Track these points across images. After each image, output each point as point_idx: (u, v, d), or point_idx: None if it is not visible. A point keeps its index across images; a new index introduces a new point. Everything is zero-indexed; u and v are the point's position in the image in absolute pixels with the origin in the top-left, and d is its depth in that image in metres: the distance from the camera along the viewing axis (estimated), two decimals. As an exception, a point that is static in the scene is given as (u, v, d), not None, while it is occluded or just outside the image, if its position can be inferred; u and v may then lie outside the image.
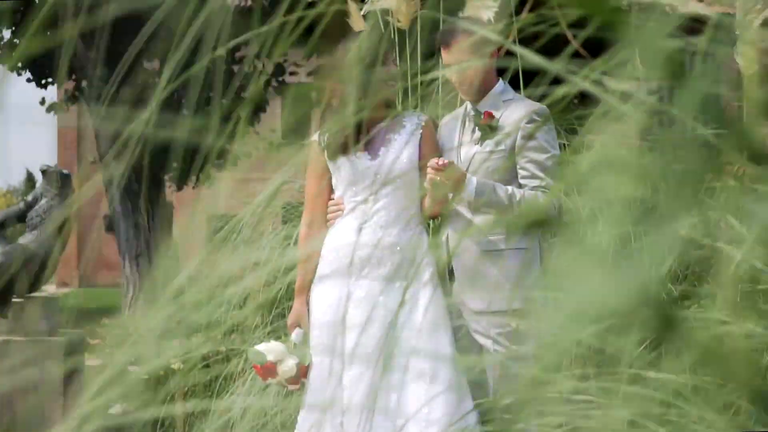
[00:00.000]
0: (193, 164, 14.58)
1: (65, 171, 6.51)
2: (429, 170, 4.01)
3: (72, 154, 33.69)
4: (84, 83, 14.03)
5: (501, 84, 4.31)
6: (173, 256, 13.72)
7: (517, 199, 4.07)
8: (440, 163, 4.00)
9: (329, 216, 4.37)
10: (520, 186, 4.15)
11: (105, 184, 14.65)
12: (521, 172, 4.15)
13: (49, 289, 30.76)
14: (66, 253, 31.67)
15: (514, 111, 4.20)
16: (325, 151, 4.32)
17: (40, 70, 15.04)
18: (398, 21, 5.99)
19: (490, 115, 4.20)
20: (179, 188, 15.23)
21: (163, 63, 13.70)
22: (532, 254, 4.20)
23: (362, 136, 4.24)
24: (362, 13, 6.04)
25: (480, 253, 4.17)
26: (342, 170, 4.29)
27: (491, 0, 5.76)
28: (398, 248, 4.22)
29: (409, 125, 4.37)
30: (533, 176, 4.13)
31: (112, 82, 13.74)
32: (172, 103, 13.41)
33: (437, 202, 4.23)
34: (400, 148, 4.28)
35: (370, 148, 4.29)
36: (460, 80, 4.28)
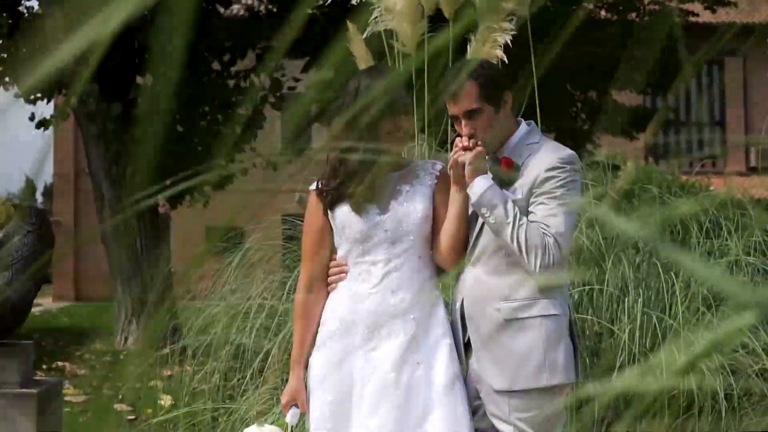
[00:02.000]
0: (187, 182, 14.15)
1: (40, 206, 5.93)
2: (456, 145, 3.62)
3: (69, 165, 33.41)
4: (74, 99, 13.57)
5: (525, 126, 3.82)
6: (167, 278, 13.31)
7: (520, 222, 3.57)
8: (469, 143, 3.60)
9: (330, 279, 3.82)
10: None
11: (96, 203, 14.24)
12: (530, 217, 3.64)
13: (45, 302, 30.57)
14: (63, 266, 31.55)
15: (539, 157, 3.69)
16: (326, 203, 3.79)
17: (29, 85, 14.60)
18: (403, 45, 5.56)
19: (509, 163, 3.70)
20: (173, 207, 14.77)
21: (156, 78, 13.30)
22: (564, 321, 3.68)
23: (370, 185, 3.72)
24: (364, 36, 5.62)
25: (501, 322, 3.66)
26: (346, 226, 3.74)
27: (506, 25, 5.38)
28: (412, 317, 3.69)
29: (422, 174, 3.84)
30: (541, 222, 3.61)
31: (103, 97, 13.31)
32: (167, 119, 12.99)
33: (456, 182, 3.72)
34: (412, 201, 3.76)
35: (379, 200, 3.75)
36: (472, 134, 3.74)
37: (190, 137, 13.77)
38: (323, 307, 3.79)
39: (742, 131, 33.87)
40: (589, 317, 5.10)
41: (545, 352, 3.59)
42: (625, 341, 4.96)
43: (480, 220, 3.68)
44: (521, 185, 3.65)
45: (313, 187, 3.84)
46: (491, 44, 5.40)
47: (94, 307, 26.41)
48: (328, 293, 3.81)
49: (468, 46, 5.44)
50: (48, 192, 59.48)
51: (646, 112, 18.59)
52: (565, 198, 3.59)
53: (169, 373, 8.34)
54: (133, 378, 10.68)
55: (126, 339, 14.05)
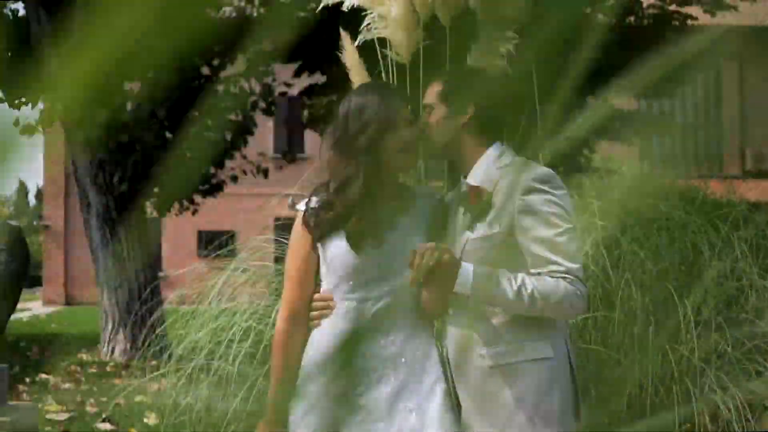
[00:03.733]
0: (176, 190, 13.88)
1: (14, 223, 5.57)
2: (410, 254, 3.11)
3: (59, 169, 33.21)
4: (59, 105, 13.26)
5: (497, 147, 3.42)
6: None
7: (529, 290, 3.14)
8: (417, 261, 3.08)
9: (314, 315, 3.45)
10: (531, 275, 3.22)
11: (83, 210, 13.94)
12: (529, 258, 3.22)
13: (35, 307, 30.42)
14: (53, 269, 31.45)
15: (512, 182, 3.29)
16: (314, 231, 3.42)
17: (14, 90, 14.31)
18: (397, 54, 5.25)
19: (477, 191, 3.32)
20: (162, 215, 14.46)
21: (144, 83, 13.01)
22: (559, 364, 3.28)
23: (364, 214, 3.35)
24: (357, 44, 5.31)
25: (487, 369, 3.27)
26: (335, 258, 3.37)
27: (509, 34, 5.08)
28: (403, 360, 3.33)
29: (420, 204, 3.48)
30: (545, 261, 3.19)
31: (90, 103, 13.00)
32: (153, 126, 12.71)
33: (432, 300, 3.33)
34: (409, 234, 3.38)
35: (374, 231, 3.36)
36: (429, 135, 3.45)
37: (179, 143, 13.47)
38: (304, 343, 3.45)
39: (738, 134, 33.71)
40: (594, 346, 4.79)
41: (537, 401, 3.20)
42: (635, 374, 4.68)
43: (456, 255, 3.26)
44: (497, 218, 3.27)
45: (301, 207, 3.48)
46: (493, 54, 5.10)
47: (84, 311, 26.22)
48: (309, 327, 3.47)
49: (468, 56, 5.14)
50: (40, 194, 59.29)
51: (644, 118, 18.35)
52: (555, 221, 3.19)
53: (156, 387, 8.05)
54: (118, 393, 10.39)
55: (113, 350, 13.74)
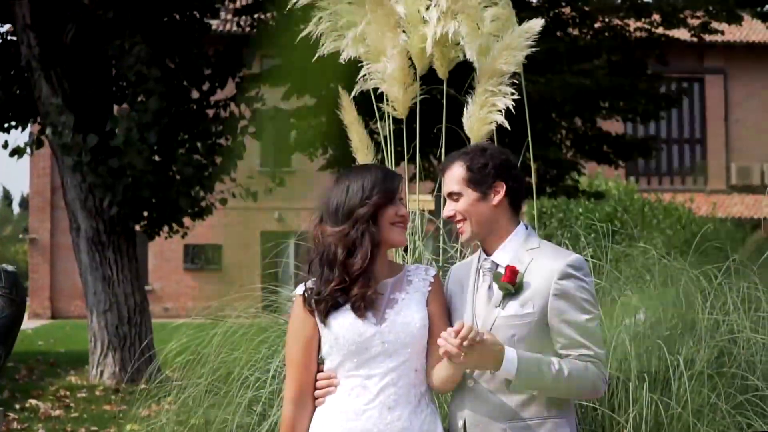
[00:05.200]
0: (165, 213, 13.88)
1: (10, 268, 5.55)
2: (442, 341, 3.21)
3: (45, 182, 33.10)
4: (49, 129, 13.28)
5: (523, 229, 3.60)
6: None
7: (565, 374, 3.33)
8: (465, 333, 3.18)
9: (318, 393, 3.52)
10: (559, 356, 3.41)
11: (72, 234, 13.93)
12: (559, 340, 3.41)
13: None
14: (39, 283, 31.26)
15: (543, 264, 3.46)
16: (319, 311, 3.48)
17: (3, 113, 14.30)
18: (393, 109, 5.31)
19: (514, 271, 3.45)
20: (151, 238, 14.46)
21: (133, 107, 13.02)
22: (569, 420, 3.50)
23: (370, 293, 3.43)
24: (352, 96, 5.37)
25: (509, 427, 3.42)
26: (340, 336, 3.44)
27: (505, 88, 5.13)
28: None
29: (416, 281, 3.56)
30: (576, 344, 3.40)
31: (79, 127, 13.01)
32: (144, 150, 12.72)
33: (453, 377, 3.45)
34: (410, 310, 3.47)
35: (374, 309, 3.44)
36: (451, 216, 3.58)
37: (169, 166, 13.48)
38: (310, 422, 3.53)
39: (723, 149, 33.86)
40: (588, 403, 4.84)
41: None
42: (629, 430, 4.72)
43: (485, 330, 3.40)
44: (531, 298, 3.43)
45: (300, 291, 3.55)
46: (489, 108, 5.16)
47: (71, 326, 26.11)
48: (315, 407, 3.54)
49: (465, 110, 5.20)
50: (25, 203, 59.02)
51: (631, 140, 18.44)
52: (587, 307, 3.40)
53: (146, 413, 8.04)
54: (109, 420, 10.40)
55: (102, 373, 13.72)
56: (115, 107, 14.31)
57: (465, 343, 3.19)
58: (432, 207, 6.81)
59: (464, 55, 5.32)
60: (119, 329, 13.72)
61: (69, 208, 13.92)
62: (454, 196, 3.56)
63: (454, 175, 3.55)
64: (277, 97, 15.83)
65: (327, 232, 3.49)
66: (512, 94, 5.15)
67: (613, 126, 18.45)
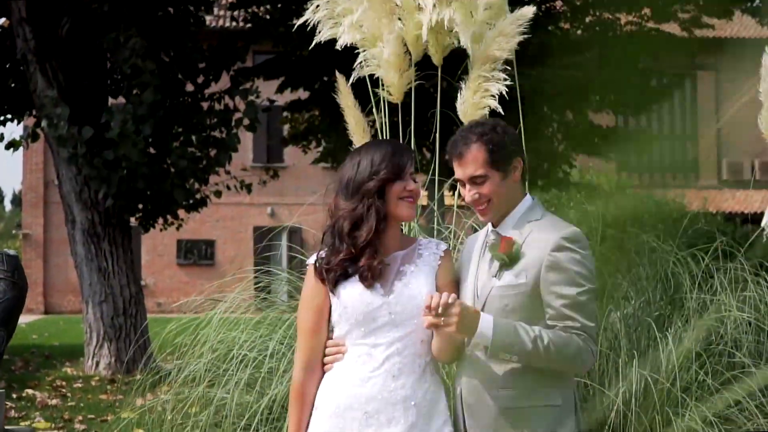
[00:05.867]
0: (160, 205, 13.97)
1: (11, 252, 5.62)
2: (424, 311, 3.34)
3: (38, 177, 33.12)
4: (44, 122, 13.35)
5: (528, 201, 3.64)
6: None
7: (545, 343, 3.36)
8: (434, 303, 3.30)
9: (327, 359, 3.65)
10: (548, 327, 3.44)
11: (67, 226, 14.01)
12: (548, 311, 3.45)
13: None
14: (32, 278, 31.22)
15: (539, 236, 3.50)
16: (329, 280, 3.60)
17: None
18: (389, 94, 5.43)
19: (510, 242, 3.51)
20: (146, 230, 14.55)
21: (128, 99, 13.11)
22: (565, 411, 3.49)
23: (377, 264, 3.54)
24: (350, 82, 5.48)
25: (500, 411, 3.48)
26: (349, 306, 3.56)
27: (498, 74, 5.24)
28: (413, 403, 3.51)
29: (426, 254, 3.67)
30: (562, 316, 3.42)
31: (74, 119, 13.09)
32: (138, 143, 12.80)
33: (446, 347, 3.56)
34: (418, 283, 3.57)
35: (383, 280, 3.56)
36: (477, 200, 3.59)
37: (163, 159, 13.57)
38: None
39: (715, 144, 33.99)
40: (579, 378, 4.96)
41: None
42: (618, 404, 4.84)
43: (482, 301, 3.53)
44: (525, 268, 3.48)
45: (312, 260, 3.68)
46: (482, 93, 5.28)
47: (65, 321, 26.16)
48: (324, 373, 3.65)
49: (458, 95, 5.31)
50: (17, 200, 59.02)
51: (622, 133, 18.55)
52: (579, 280, 3.41)
53: (141, 401, 8.15)
54: (105, 409, 10.50)
55: (97, 364, 13.81)
56: (111, 100, 14.39)
57: (439, 310, 3.30)
58: (425, 202, 6.87)
59: (458, 42, 5.44)
60: (115, 320, 13.80)
61: (64, 201, 14.00)
62: (478, 179, 3.55)
63: (477, 159, 3.54)
64: (270, 90, 15.92)
65: (338, 205, 3.62)
66: (505, 80, 5.28)
67: (605, 120, 18.53)
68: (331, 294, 3.61)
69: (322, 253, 3.64)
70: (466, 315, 3.34)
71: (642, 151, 20.92)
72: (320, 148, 17.46)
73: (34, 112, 14.23)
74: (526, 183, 3.71)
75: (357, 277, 3.56)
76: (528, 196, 3.64)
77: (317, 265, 3.64)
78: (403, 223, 3.76)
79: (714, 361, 5.19)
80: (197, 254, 33.31)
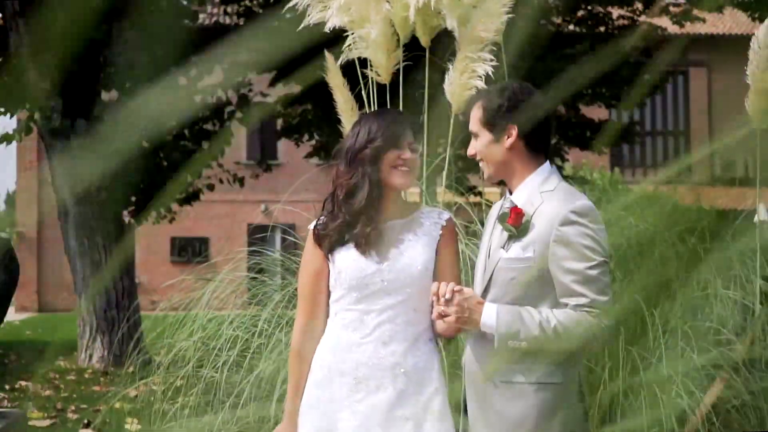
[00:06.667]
0: (153, 198, 14.00)
1: (3, 235, 5.65)
2: (433, 298, 3.37)
3: (32, 176, 33.13)
4: (37, 114, 13.37)
5: (544, 169, 3.53)
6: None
7: (552, 326, 3.27)
8: (442, 291, 3.33)
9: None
10: (557, 303, 3.34)
11: (60, 219, 14.03)
12: (558, 288, 3.34)
13: (8, 314, 30.26)
14: (26, 276, 31.16)
15: (549, 208, 3.40)
16: (325, 245, 3.65)
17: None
18: (377, 75, 5.46)
19: (519, 214, 3.43)
20: (139, 223, 14.58)
21: (122, 93, 13.14)
22: (567, 390, 3.40)
23: (371, 231, 3.58)
24: (339, 63, 5.52)
25: (498, 383, 3.42)
26: (343, 271, 3.60)
27: (485, 54, 5.29)
28: (402, 371, 3.54)
29: (427, 224, 3.68)
30: (574, 293, 3.30)
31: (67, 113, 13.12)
32: (131, 135, 12.83)
33: (451, 329, 3.55)
34: (414, 252, 3.60)
35: (379, 247, 3.58)
36: (472, 155, 3.60)
37: (156, 152, 13.61)
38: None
39: (707, 141, 34.04)
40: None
41: (537, 423, 3.34)
42: (604, 380, 4.89)
43: (489, 272, 3.49)
44: (533, 241, 3.39)
45: (312, 226, 3.73)
46: (469, 74, 5.32)
47: (58, 319, 26.18)
48: (321, 336, 3.68)
49: (446, 76, 5.35)
50: (11, 200, 58.95)
51: (614, 127, 18.62)
52: (588, 254, 3.29)
53: (134, 393, 8.19)
54: (98, 399, 10.52)
55: (90, 356, 13.84)
56: (104, 93, 14.41)
57: (446, 296, 3.32)
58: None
59: (445, 23, 5.48)
60: (108, 313, 13.83)
61: (57, 194, 14.02)
62: (474, 136, 3.57)
63: (474, 115, 3.56)
64: (263, 83, 15.95)
65: (338, 173, 3.67)
66: (491, 60, 5.32)
67: (598, 114, 18.60)
68: (329, 258, 3.65)
69: (322, 219, 3.69)
70: (468, 308, 3.35)
71: (633, 143, 20.92)
72: (313, 142, 17.49)
73: (27, 106, 14.25)
74: (543, 152, 3.54)
75: (352, 243, 3.59)
76: (545, 165, 3.54)
77: (316, 230, 3.69)
78: (406, 189, 3.75)
79: (700, 338, 5.24)
80: (191, 252, 33.35)
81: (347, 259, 3.59)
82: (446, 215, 3.73)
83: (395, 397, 3.51)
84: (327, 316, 3.69)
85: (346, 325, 3.61)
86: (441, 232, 3.66)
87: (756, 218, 6.34)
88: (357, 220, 3.59)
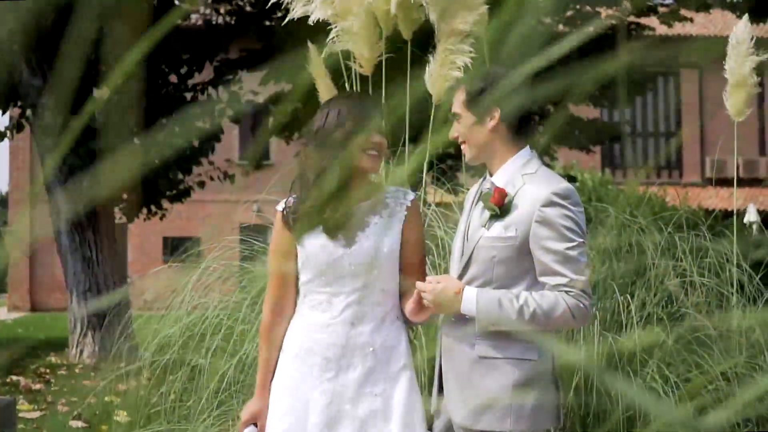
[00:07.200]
0: (144, 195, 14.08)
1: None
2: (417, 289, 3.51)
3: (24, 174, 33.17)
4: (29, 111, 13.45)
5: (526, 153, 3.64)
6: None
7: (531, 309, 3.39)
8: (423, 287, 3.49)
9: None
10: (537, 282, 3.48)
11: (52, 216, 14.11)
12: (538, 267, 3.46)
13: (0, 313, 30.25)
14: (18, 275, 31.24)
15: (531, 190, 3.51)
16: (292, 226, 3.73)
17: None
18: (360, 66, 5.57)
19: (502, 193, 3.53)
20: (130, 220, 14.67)
21: (112, 89, 13.19)
22: (542, 366, 3.52)
23: (337, 215, 3.65)
24: (323, 55, 5.62)
25: (475, 359, 3.53)
26: (311, 255, 3.68)
27: (464, 47, 5.40)
28: (371, 349, 3.64)
29: (393, 205, 3.75)
30: (553, 272, 3.43)
31: (59, 110, 13.19)
32: (122, 132, 12.91)
33: (425, 314, 3.65)
34: (380, 234, 3.67)
35: (346, 231, 3.66)
36: (455, 137, 3.69)
37: (147, 150, 13.69)
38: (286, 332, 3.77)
39: (698, 142, 34.18)
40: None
41: (513, 397, 3.44)
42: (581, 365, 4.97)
43: (468, 251, 3.59)
44: (515, 222, 3.49)
45: (280, 207, 3.79)
46: (449, 66, 5.43)
47: (50, 318, 26.21)
48: (291, 316, 3.77)
49: (426, 67, 5.46)
50: (4, 201, 58.92)
51: (603, 126, 18.72)
52: (568, 234, 3.41)
53: (124, 388, 8.28)
54: (88, 393, 10.59)
55: (81, 352, 13.92)
56: (95, 90, 14.48)
57: (428, 297, 3.48)
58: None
59: (426, 17, 5.59)
60: (98, 309, 13.90)
61: (49, 191, 14.09)
62: (457, 117, 3.66)
63: (458, 98, 3.66)
64: (253, 82, 16.01)
65: (307, 155, 3.73)
66: (470, 52, 5.43)
67: (587, 113, 18.68)
68: (296, 240, 3.72)
69: (290, 201, 3.76)
70: (446, 298, 3.47)
71: (622, 141, 21.02)
72: (303, 140, 17.49)
73: (18, 103, 14.33)
74: (525, 136, 3.66)
75: (321, 228, 3.67)
76: (526, 149, 3.64)
77: (284, 213, 3.76)
78: (375, 172, 3.85)
79: (676, 324, 5.34)
80: (183, 252, 33.31)
81: (315, 243, 3.66)
82: (411, 195, 3.80)
83: (364, 375, 3.62)
84: (297, 294, 3.77)
85: (315, 306, 3.69)
86: (406, 212, 3.74)
87: (746, 218, 6.45)
88: (326, 204, 3.65)
